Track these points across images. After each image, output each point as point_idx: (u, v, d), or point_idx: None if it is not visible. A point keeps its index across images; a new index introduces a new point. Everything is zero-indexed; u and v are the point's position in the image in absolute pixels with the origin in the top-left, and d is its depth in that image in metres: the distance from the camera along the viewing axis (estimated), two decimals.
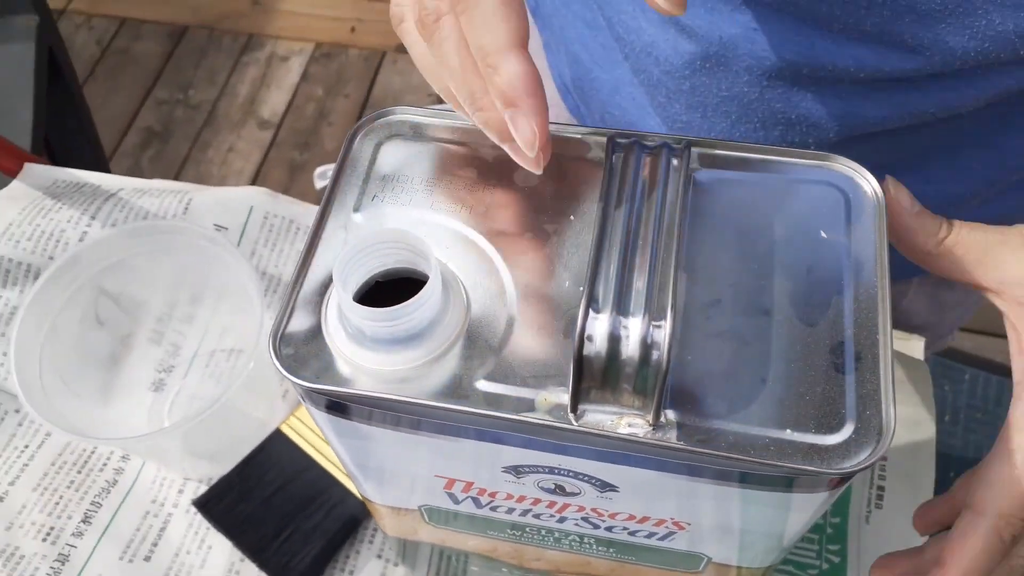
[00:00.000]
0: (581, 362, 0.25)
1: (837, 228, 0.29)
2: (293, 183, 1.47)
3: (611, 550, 0.34)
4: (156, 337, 0.54)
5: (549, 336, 0.27)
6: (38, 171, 0.61)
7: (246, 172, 1.49)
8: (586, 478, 0.28)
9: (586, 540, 0.34)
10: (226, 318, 0.54)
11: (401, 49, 1.61)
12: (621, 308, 0.25)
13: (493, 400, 0.26)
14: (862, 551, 0.47)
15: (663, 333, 0.24)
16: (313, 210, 0.59)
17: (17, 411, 0.53)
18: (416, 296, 0.26)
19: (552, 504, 0.31)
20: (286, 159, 1.50)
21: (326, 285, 0.29)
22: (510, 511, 0.33)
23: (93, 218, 0.57)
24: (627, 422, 0.25)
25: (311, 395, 0.28)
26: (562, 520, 0.32)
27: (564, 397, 0.26)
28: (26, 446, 0.52)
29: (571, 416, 0.25)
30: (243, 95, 1.59)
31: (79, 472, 0.52)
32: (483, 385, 0.26)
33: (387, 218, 0.30)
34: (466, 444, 0.28)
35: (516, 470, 0.29)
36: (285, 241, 0.58)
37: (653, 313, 0.24)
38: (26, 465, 0.52)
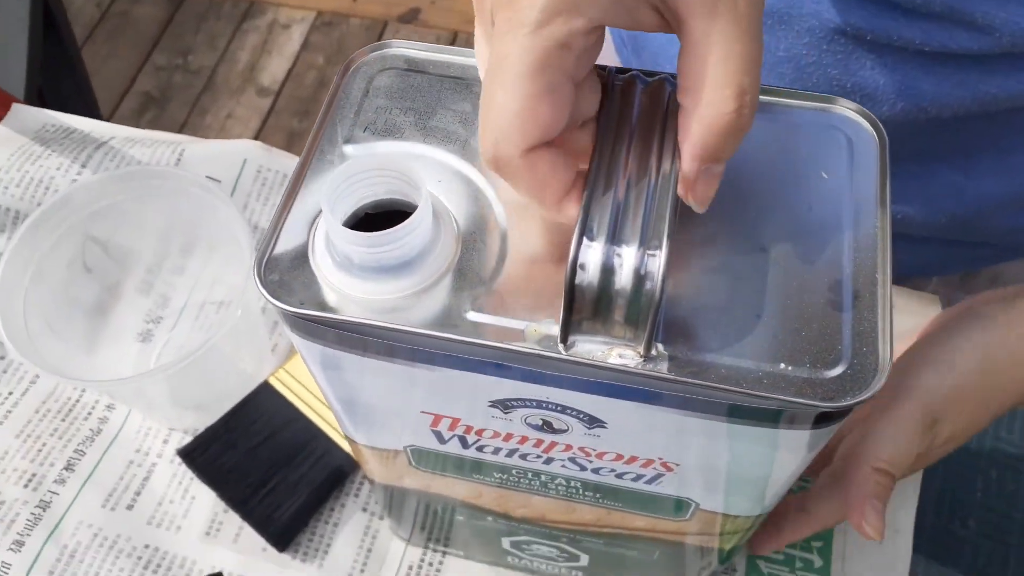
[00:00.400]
0: (573, 291, 0.24)
1: (839, 170, 0.28)
2: (291, 150, 1.46)
3: (597, 495, 0.33)
4: (145, 287, 0.54)
5: (541, 268, 0.27)
6: (26, 113, 0.60)
7: (244, 138, 1.48)
8: (574, 413, 0.28)
9: (572, 484, 0.33)
10: (216, 269, 0.53)
11: (403, 19, 1.60)
12: (615, 238, 0.24)
13: (482, 330, 0.25)
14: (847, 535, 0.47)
15: (657, 263, 0.23)
16: None
17: (1, 358, 0.53)
18: (405, 222, 0.25)
19: (539, 443, 0.30)
20: (285, 126, 1.49)
21: (314, 214, 0.28)
22: (496, 451, 0.32)
23: (84, 166, 0.56)
24: (618, 353, 0.25)
25: (295, 322, 0.27)
26: (549, 461, 0.32)
27: (554, 328, 0.25)
28: (10, 392, 0.52)
29: (560, 347, 0.25)
30: (243, 62, 1.57)
31: (63, 420, 0.51)
32: (473, 316, 0.26)
33: (379, 150, 0.30)
34: (453, 376, 0.27)
35: (504, 404, 0.28)
36: (278, 195, 0.57)
37: (648, 243, 0.24)
38: (9, 412, 0.51)
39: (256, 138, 1.47)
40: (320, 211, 0.28)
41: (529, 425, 0.29)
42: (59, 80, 0.82)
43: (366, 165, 0.27)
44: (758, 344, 0.25)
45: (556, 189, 0.25)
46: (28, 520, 0.48)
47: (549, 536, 0.40)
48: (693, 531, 0.35)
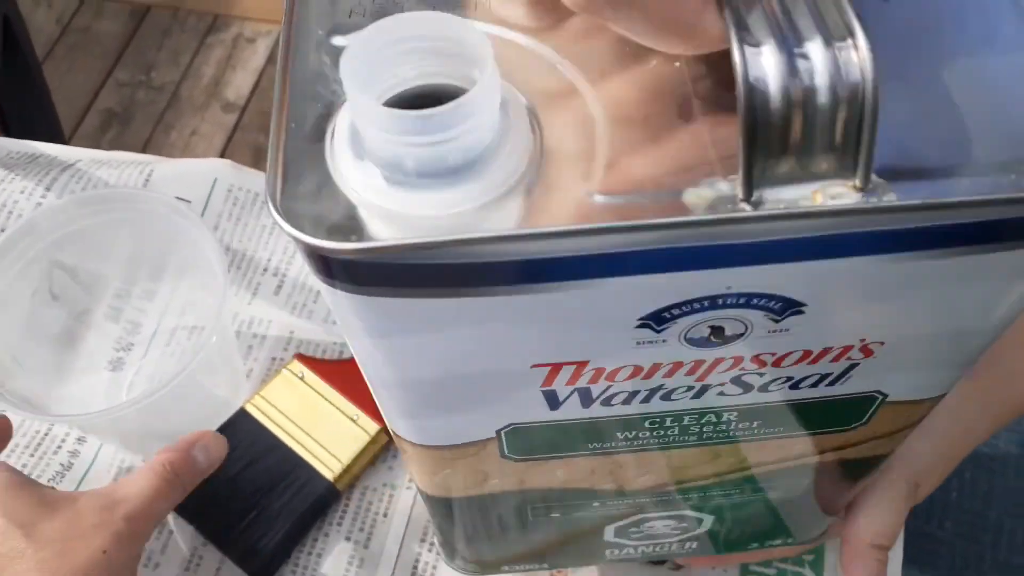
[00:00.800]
0: (754, 118, 0.18)
1: None
2: (259, 167, 1.44)
3: (754, 424, 0.27)
4: (114, 314, 0.52)
5: (667, 129, 0.20)
6: None
7: (210, 156, 1.46)
8: (763, 302, 0.21)
9: (724, 418, 0.27)
10: (188, 294, 0.52)
11: None
12: (787, 36, 0.17)
13: (618, 216, 0.19)
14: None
15: (860, 56, 0.17)
16: None
17: None
18: (470, 92, 0.18)
19: (696, 367, 0.24)
20: (251, 142, 1.47)
21: (319, 125, 0.21)
22: (629, 399, 0.25)
23: (48, 189, 0.54)
24: (827, 193, 0.18)
25: (352, 269, 0.20)
26: (701, 393, 0.25)
27: (722, 186, 0.19)
28: None
29: (744, 205, 0.18)
30: (208, 77, 1.55)
31: (31, 455, 0.49)
32: (601, 200, 0.19)
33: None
34: (593, 293, 0.20)
35: (658, 318, 0.21)
36: (251, 215, 0.56)
37: (834, 34, 0.17)
38: None
39: (222, 155, 1.45)
40: (328, 117, 0.21)
41: (688, 342, 0.23)
42: (20, 94, 0.80)
43: (401, 28, 0.19)
44: (978, 157, 0.19)
45: None
46: None
47: (669, 504, 0.34)
48: (859, 440, 0.30)
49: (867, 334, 0.24)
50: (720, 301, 0.21)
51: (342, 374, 0.50)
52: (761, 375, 0.25)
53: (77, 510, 0.39)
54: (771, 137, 0.18)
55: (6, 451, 0.49)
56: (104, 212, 0.46)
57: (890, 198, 0.19)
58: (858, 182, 0.19)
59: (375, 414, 0.48)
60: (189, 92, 1.53)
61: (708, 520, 0.37)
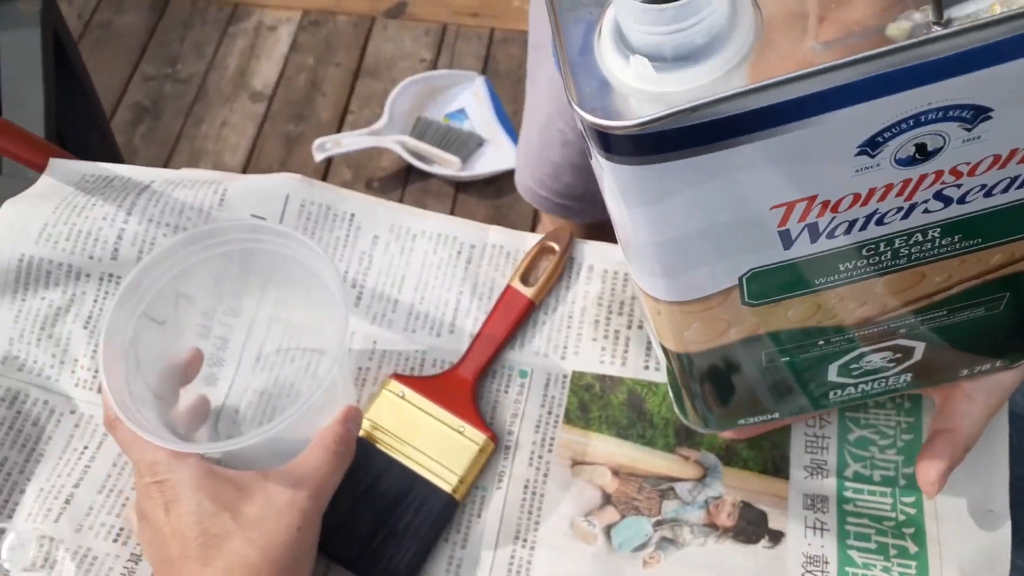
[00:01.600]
0: None
1: None
2: (290, 156, 1.46)
3: (956, 238, 0.33)
4: (203, 331, 0.54)
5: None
6: (64, 166, 0.60)
7: (241, 147, 1.47)
8: (956, 113, 0.26)
9: (929, 236, 0.32)
10: (300, 314, 0.53)
11: (390, 14, 1.59)
12: None
13: (837, 55, 0.25)
14: (937, 499, 0.48)
15: None
16: (349, 196, 0.59)
17: (72, 412, 0.53)
18: None
19: (904, 186, 0.29)
20: (281, 132, 1.48)
21: (587, 40, 0.28)
22: (850, 228, 0.31)
23: (129, 214, 0.56)
24: (1004, 2, 0.23)
25: (635, 140, 0.26)
26: (909, 212, 0.31)
27: (917, 16, 0.24)
28: (85, 447, 0.52)
29: (937, 28, 0.24)
30: (233, 67, 1.56)
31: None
32: (818, 46, 0.25)
33: None
34: (819, 128, 0.26)
35: (872, 143, 0.27)
36: (324, 228, 0.58)
37: None
38: (88, 467, 0.51)
39: (253, 146, 1.47)
40: (592, 19, 0.28)
41: (898, 163, 0.28)
42: (71, 104, 0.81)
43: None
44: None
45: None
46: (122, 574, 0.48)
47: (884, 335, 0.39)
48: None
49: None
50: (923, 118, 0.27)
51: (440, 388, 0.51)
52: (959, 186, 0.30)
53: (268, 492, 0.43)
54: None
55: (117, 467, 0.51)
56: (221, 245, 0.48)
57: None
58: None
59: (479, 424, 0.50)
60: (216, 83, 1.54)
61: (920, 348, 0.41)
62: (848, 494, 0.48)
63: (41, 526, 0.50)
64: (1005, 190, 0.31)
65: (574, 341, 0.54)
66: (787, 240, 0.32)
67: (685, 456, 0.50)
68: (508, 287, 0.55)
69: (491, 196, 1.43)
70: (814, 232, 0.31)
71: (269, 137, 1.48)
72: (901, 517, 0.47)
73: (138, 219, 0.56)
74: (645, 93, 0.26)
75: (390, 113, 1.44)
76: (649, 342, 0.54)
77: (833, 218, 0.31)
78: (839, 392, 0.44)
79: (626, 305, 0.55)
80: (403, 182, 1.43)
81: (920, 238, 0.33)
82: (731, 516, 0.48)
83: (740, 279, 0.34)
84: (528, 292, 0.54)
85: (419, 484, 0.49)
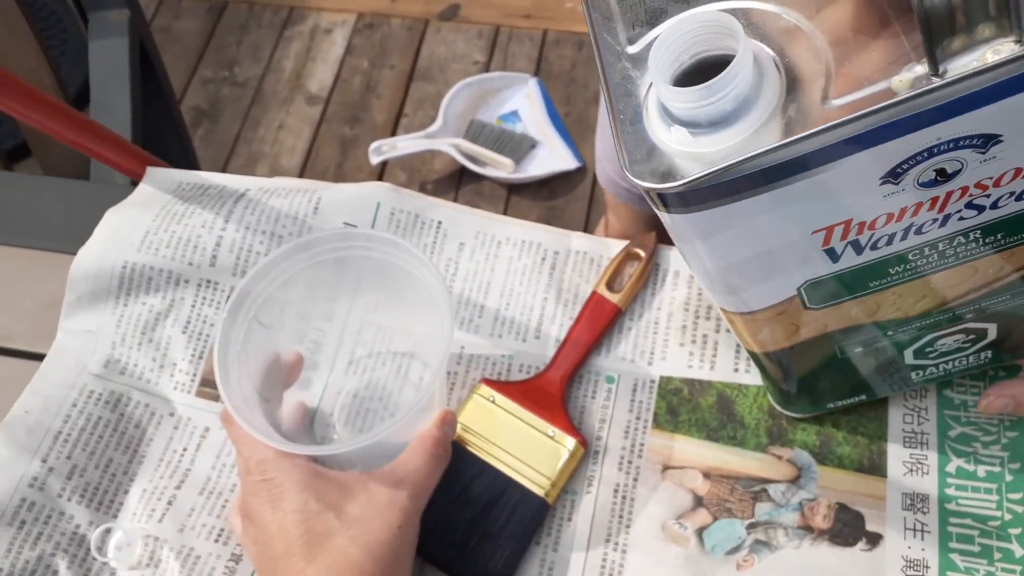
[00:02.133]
0: (926, 13, 0.25)
1: None
2: (346, 159, 1.48)
3: (998, 236, 0.35)
4: (299, 335, 0.55)
5: (871, 37, 0.29)
6: (161, 174, 0.61)
7: (298, 149, 1.49)
8: (967, 142, 0.29)
9: (971, 237, 0.35)
10: (392, 318, 0.55)
11: (443, 16, 1.60)
12: None
13: (848, 111, 0.28)
14: None
15: None
16: (437, 204, 0.60)
17: (171, 415, 0.55)
18: (728, 68, 0.28)
19: (934, 202, 0.32)
20: (337, 135, 1.50)
21: (636, 111, 0.32)
22: (890, 240, 0.34)
23: (227, 221, 0.58)
24: (991, 52, 0.26)
25: (686, 196, 0.30)
26: (945, 221, 0.33)
27: (918, 68, 0.27)
28: (184, 449, 0.54)
29: (935, 79, 0.27)
30: (289, 70, 1.58)
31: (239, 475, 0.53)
32: (835, 103, 0.29)
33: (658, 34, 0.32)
34: (845, 168, 0.29)
35: (894, 173, 0.30)
36: (413, 235, 0.59)
37: None
38: (188, 470, 0.53)
39: (310, 149, 1.49)
40: (642, 96, 0.32)
41: (921, 186, 0.31)
42: (155, 113, 0.83)
43: (684, 23, 0.30)
44: None
45: None
46: (224, 573, 0.50)
47: (953, 320, 0.41)
48: None
49: None
50: (935, 150, 0.30)
51: (529, 393, 0.52)
52: (987, 196, 0.32)
53: (370, 492, 0.44)
54: (941, 22, 0.26)
55: (216, 469, 0.53)
56: (327, 253, 0.49)
57: None
58: (1015, 37, 0.26)
59: (569, 429, 0.51)
60: (272, 86, 1.56)
61: (992, 328, 0.42)
62: (950, 492, 0.48)
63: (146, 526, 0.51)
64: None
65: (661, 346, 0.55)
66: (833, 256, 0.35)
67: (777, 455, 0.51)
68: (594, 293, 0.55)
69: (544, 198, 1.43)
70: (857, 247, 0.34)
71: (325, 140, 1.50)
72: (1008, 517, 0.47)
73: (235, 226, 0.57)
74: (688, 154, 0.30)
75: (444, 116, 1.45)
76: (738, 344, 0.54)
77: (872, 234, 0.34)
78: (921, 372, 0.46)
79: (714, 309, 0.55)
80: (456, 184, 1.44)
81: (962, 240, 0.35)
82: (826, 518, 0.48)
83: (798, 290, 0.37)
84: (614, 298, 0.55)
85: (512, 487, 0.50)
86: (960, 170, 0.31)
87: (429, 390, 0.45)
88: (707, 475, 0.51)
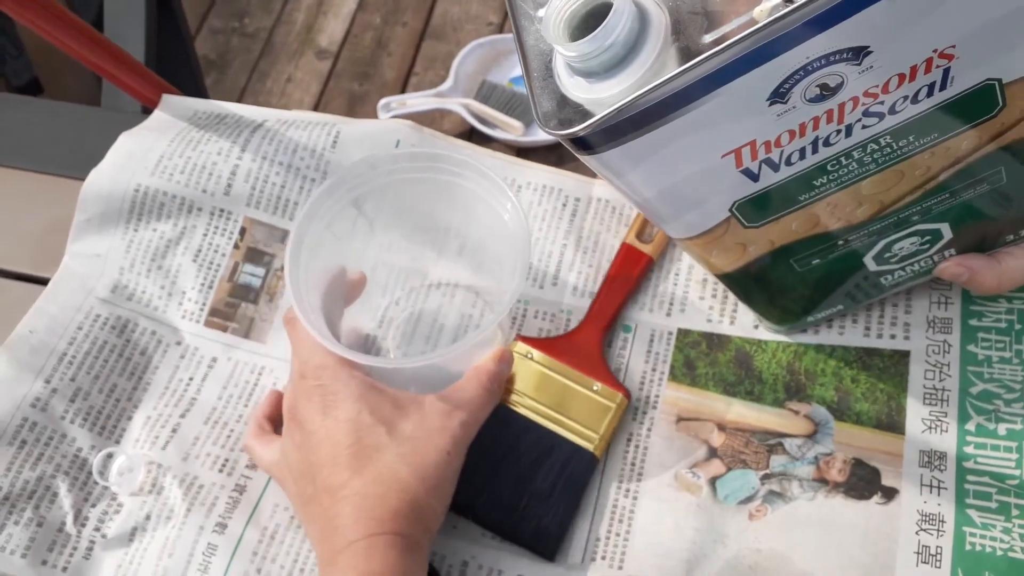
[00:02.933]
0: None
1: None
2: (354, 114, 1.46)
3: (910, 139, 0.36)
4: (382, 257, 0.54)
5: None
6: (176, 102, 0.60)
7: (306, 103, 1.47)
8: (836, 56, 0.31)
9: (883, 143, 0.36)
10: (467, 254, 0.54)
11: None
12: None
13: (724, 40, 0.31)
14: None
15: None
16: (456, 143, 0.59)
17: (179, 343, 0.54)
18: (608, 18, 0.31)
19: (830, 116, 0.34)
20: (345, 90, 1.48)
21: (546, 67, 0.34)
22: (803, 154, 0.35)
23: (243, 150, 0.56)
24: None
25: (606, 132, 0.32)
26: (849, 132, 0.35)
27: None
28: (191, 379, 0.53)
29: (787, 6, 0.29)
30: (299, 23, 1.56)
31: (245, 405, 0.52)
32: (708, 37, 0.31)
33: None
34: (728, 96, 0.32)
35: (778, 93, 0.32)
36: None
37: None
38: (194, 399, 0.52)
39: (318, 103, 1.47)
40: (549, 60, 0.35)
41: (810, 101, 0.33)
42: (175, 67, 0.81)
43: None
44: None
45: None
46: (227, 503, 0.49)
47: (901, 223, 0.42)
48: (1015, 121, 0.36)
49: (935, 43, 0.32)
50: (809, 68, 0.31)
51: (567, 348, 0.51)
52: (881, 103, 0.34)
53: (424, 413, 0.44)
54: None
55: (222, 400, 0.52)
56: (414, 171, 0.49)
57: None
58: None
59: (612, 382, 0.50)
60: (282, 39, 1.54)
61: (944, 228, 0.43)
62: (968, 450, 0.47)
63: (149, 452, 0.50)
64: (930, 94, 0.34)
65: (680, 299, 0.54)
66: (752, 175, 0.37)
67: (794, 410, 0.50)
68: (624, 244, 0.54)
69: (552, 163, 1.41)
70: (772, 165, 0.36)
71: (334, 95, 1.48)
72: None
73: (252, 156, 0.56)
74: (591, 101, 0.33)
75: (455, 75, 1.43)
76: None
77: (781, 151, 0.35)
78: (889, 277, 0.47)
79: None
80: None
81: (875, 147, 0.36)
82: (842, 472, 0.47)
83: (731, 211, 0.39)
84: (646, 248, 0.54)
85: (561, 444, 0.48)
86: (842, 83, 0.32)
87: (493, 323, 0.44)
88: (722, 427, 0.50)
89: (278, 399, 0.50)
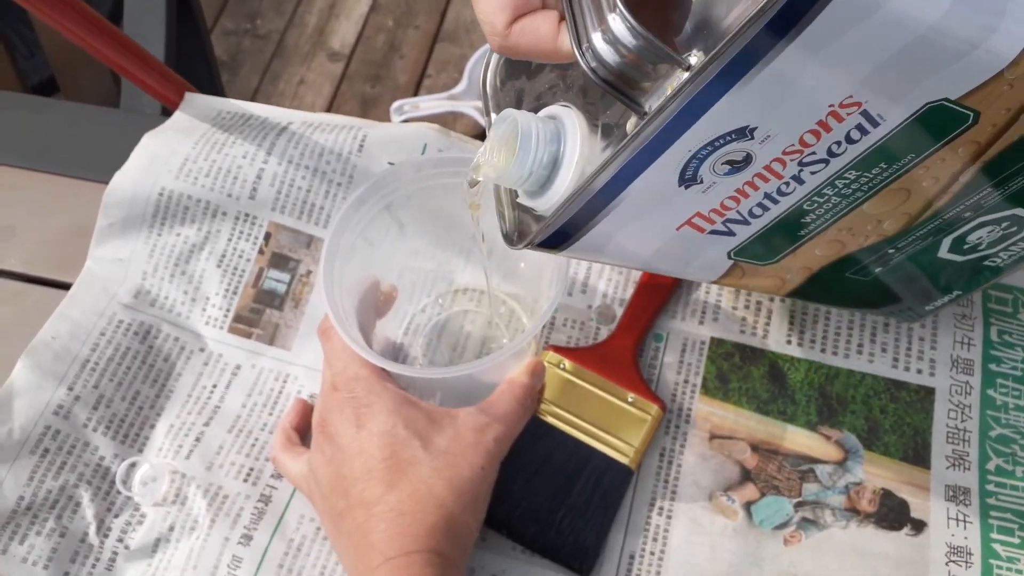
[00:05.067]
0: (611, 81, 0.29)
1: None
2: (366, 117, 1.44)
3: (884, 166, 0.34)
4: (409, 263, 0.53)
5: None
6: (200, 101, 0.59)
7: (317, 106, 1.47)
8: (722, 140, 0.30)
9: (851, 177, 0.34)
10: (504, 263, 0.52)
11: None
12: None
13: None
14: None
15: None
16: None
17: (202, 350, 0.53)
18: (518, 143, 0.34)
19: (762, 178, 0.33)
20: (357, 92, 1.47)
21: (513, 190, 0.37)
22: (764, 208, 0.35)
23: (269, 154, 0.55)
24: (671, 83, 0.28)
25: (555, 236, 0.34)
26: (800, 180, 0.33)
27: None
28: (214, 386, 0.52)
29: (645, 118, 0.29)
30: (311, 25, 1.55)
31: (270, 414, 0.51)
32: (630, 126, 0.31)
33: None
34: (641, 187, 0.32)
35: (684, 179, 0.32)
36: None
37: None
38: (217, 407, 0.51)
39: (330, 106, 1.46)
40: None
41: (728, 174, 0.32)
42: (187, 45, 0.80)
43: (495, 129, 0.36)
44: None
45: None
46: (252, 514, 0.48)
47: (954, 222, 0.39)
48: (1003, 124, 0.33)
49: (828, 100, 0.30)
50: (700, 154, 0.31)
51: (600, 359, 0.50)
52: (813, 152, 0.32)
53: (458, 428, 0.43)
54: (628, 81, 0.29)
55: (247, 408, 0.51)
56: (445, 176, 0.48)
57: (699, 56, 0.27)
58: (682, 67, 0.28)
59: (647, 394, 0.49)
60: (295, 41, 1.53)
61: (1020, 211, 0.39)
62: (990, 488, 0.48)
63: (172, 461, 0.49)
64: (865, 133, 0.31)
65: (712, 306, 0.53)
66: (725, 233, 0.36)
67: (826, 435, 0.49)
68: None
69: None
70: (738, 221, 0.35)
71: (346, 97, 1.47)
72: None
73: (278, 159, 0.55)
74: (536, 213, 0.35)
75: (469, 78, 1.42)
76: (791, 314, 0.52)
77: (738, 210, 0.35)
78: (995, 260, 0.43)
79: None
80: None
81: (843, 182, 0.34)
82: (872, 503, 0.48)
83: (732, 258, 0.38)
84: None
85: (595, 457, 0.47)
86: (749, 156, 0.32)
87: (529, 335, 0.43)
88: (755, 448, 0.49)
89: (304, 408, 0.50)
